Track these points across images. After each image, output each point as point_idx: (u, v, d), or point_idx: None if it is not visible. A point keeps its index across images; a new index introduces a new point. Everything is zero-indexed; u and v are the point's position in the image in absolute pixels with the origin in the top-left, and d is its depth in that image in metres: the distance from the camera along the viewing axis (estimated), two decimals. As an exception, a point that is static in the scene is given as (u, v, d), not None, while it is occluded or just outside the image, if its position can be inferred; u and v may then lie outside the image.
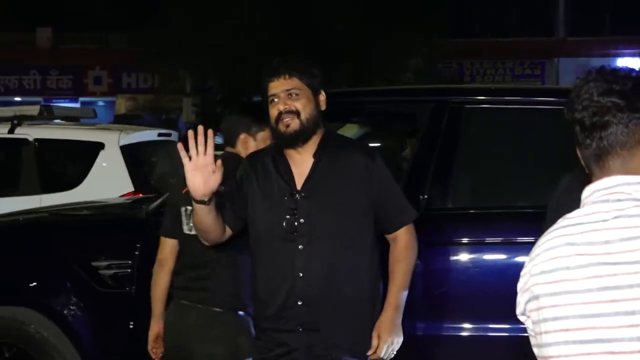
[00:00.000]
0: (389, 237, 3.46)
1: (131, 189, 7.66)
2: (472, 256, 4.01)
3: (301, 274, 3.30)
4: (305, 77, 3.37)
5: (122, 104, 32.89)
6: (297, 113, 3.32)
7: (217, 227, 3.35)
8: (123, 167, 7.88)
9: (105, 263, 4.21)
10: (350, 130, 5.46)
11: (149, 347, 3.84)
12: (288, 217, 3.31)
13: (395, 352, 3.37)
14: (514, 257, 3.96)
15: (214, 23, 21.77)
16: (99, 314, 4.20)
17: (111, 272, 4.19)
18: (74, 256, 4.27)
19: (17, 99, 35.66)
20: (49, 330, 4.25)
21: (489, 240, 4.03)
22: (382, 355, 3.34)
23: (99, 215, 4.79)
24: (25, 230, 4.70)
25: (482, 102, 4.35)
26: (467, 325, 3.95)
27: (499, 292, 3.85)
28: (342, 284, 3.31)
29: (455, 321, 3.95)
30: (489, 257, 4.03)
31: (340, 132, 5.45)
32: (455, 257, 4.02)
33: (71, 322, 4.21)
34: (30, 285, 4.36)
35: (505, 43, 28.66)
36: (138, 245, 4.24)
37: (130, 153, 8.11)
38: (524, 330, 1.92)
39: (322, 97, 3.43)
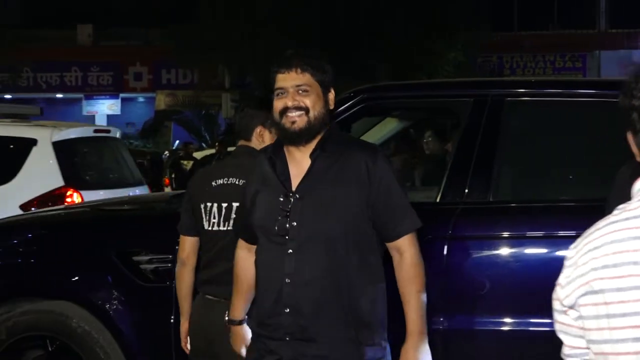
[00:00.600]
0: (391, 247, 3.20)
1: (62, 183, 8.06)
2: (513, 250, 3.95)
3: (288, 280, 3.10)
4: (317, 73, 3.19)
5: (162, 100, 33.12)
6: (306, 110, 3.16)
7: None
8: (55, 162, 8.21)
9: (146, 257, 4.22)
10: (390, 125, 5.45)
11: (182, 344, 3.86)
12: (280, 218, 3.14)
13: None
14: (556, 251, 3.90)
15: (250, 17, 21.97)
16: (140, 308, 4.22)
17: (152, 266, 4.21)
18: (115, 251, 4.30)
19: (59, 95, 36.09)
20: (90, 324, 4.27)
21: (530, 234, 3.96)
22: None
23: (140, 210, 4.81)
24: (68, 225, 4.73)
25: (523, 94, 4.30)
26: (507, 320, 3.89)
27: (540, 287, 3.84)
28: (334, 294, 3.10)
29: (495, 316, 3.89)
30: (530, 251, 3.97)
31: (379, 126, 5.51)
32: (496, 251, 3.96)
33: (113, 316, 4.24)
34: (73, 279, 4.39)
35: (546, 36, 28.74)
36: (178, 240, 4.24)
37: (63, 149, 8.40)
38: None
39: (332, 95, 3.26)
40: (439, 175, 4.49)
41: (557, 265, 3.76)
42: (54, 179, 8.14)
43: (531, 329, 3.86)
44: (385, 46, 21.05)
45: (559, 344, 3.37)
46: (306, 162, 3.20)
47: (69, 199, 8.17)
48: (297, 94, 3.16)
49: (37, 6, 34.63)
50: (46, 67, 33.36)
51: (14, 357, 4.46)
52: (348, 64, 20.55)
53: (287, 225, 3.13)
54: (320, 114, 3.18)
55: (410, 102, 4.59)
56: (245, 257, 3.38)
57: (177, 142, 28.90)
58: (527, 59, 29.33)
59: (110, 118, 34.57)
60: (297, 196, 3.16)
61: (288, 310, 3.11)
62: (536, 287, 3.85)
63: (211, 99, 29.24)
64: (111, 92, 34.40)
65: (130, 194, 8.98)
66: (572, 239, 1.90)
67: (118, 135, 10.04)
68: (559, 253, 3.89)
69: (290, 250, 3.11)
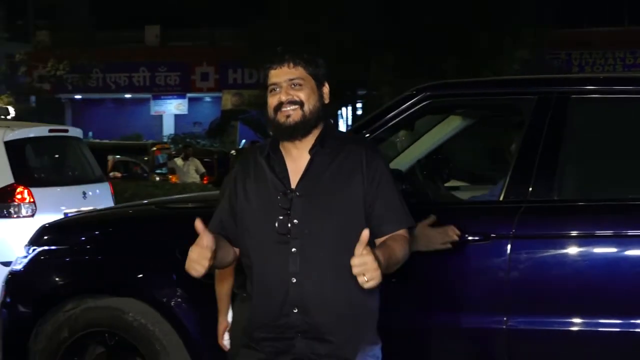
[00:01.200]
0: (379, 242, 3.11)
1: (12, 181, 8.51)
2: (580, 249, 3.87)
3: (294, 280, 3.06)
4: (310, 66, 3.14)
5: (229, 100, 33.40)
6: (300, 104, 3.11)
7: (227, 259, 3.20)
8: (5, 161, 8.58)
9: None
10: (453, 123, 5.38)
11: (219, 342, 3.86)
12: (281, 217, 3.07)
13: (366, 281, 2.86)
14: (624, 250, 3.83)
15: (317, 15, 22.10)
16: (203, 304, 4.17)
17: None
18: (179, 248, 4.29)
19: (127, 95, 36.62)
20: (147, 318, 4.34)
21: (597, 233, 3.88)
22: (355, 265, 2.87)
23: (204, 207, 4.77)
24: (132, 223, 4.75)
25: (590, 92, 4.22)
26: (572, 321, 3.81)
27: (606, 287, 3.80)
28: (341, 291, 3.06)
29: (559, 316, 3.82)
30: (596, 250, 3.88)
31: (442, 124, 5.42)
32: (563, 250, 3.88)
33: (177, 312, 4.27)
34: (138, 276, 4.43)
35: (616, 32, 28.30)
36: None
37: (14, 148, 8.77)
38: (636, 325, 1.81)
39: (326, 89, 3.20)
40: (501, 173, 4.41)
41: (624, 265, 3.77)
42: (5, 177, 8.55)
43: (597, 329, 3.79)
44: (453, 44, 20.94)
45: (624, 344, 3.25)
46: (304, 159, 3.15)
47: (18, 196, 8.58)
48: (291, 88, 3.12)
49: (107, 8, 35.02)
50: (115, 67, 33.82)
51: (79, 354, 4.52)
52: (416, 64, 20.85)
53: (289, 224, 3.07)
54: (315, 108, 3.13)
55: (473, 99, 4.54)
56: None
57: (244, 141, 29.19)
58: (596, 56, 29.06)
59: (177, 118, 35.08)
60: (297, 194, 3.10)
61: (296, 310, 3.07)
62: (602, 287, 3.81)
63: (277, 99, 29.27)
64: (178, 92, 34.82)
65: (90, 191, 9.51)
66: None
67: (79, 134, 10.40)
68: (627, 253, 3.82)
69: (294, 249, 3.06)
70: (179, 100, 34.88)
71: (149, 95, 35.45)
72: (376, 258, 2.86)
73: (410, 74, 19.91)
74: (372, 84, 23.18)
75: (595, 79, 4.41)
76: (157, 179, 18.92)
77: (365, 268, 2.84)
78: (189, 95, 34.70)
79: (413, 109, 4.25)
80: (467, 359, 3.99)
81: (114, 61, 32.57)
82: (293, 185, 3.12)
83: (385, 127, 4.28)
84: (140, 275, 4.44)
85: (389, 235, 3.12)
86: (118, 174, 18.81)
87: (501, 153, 5.33)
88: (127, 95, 36.73)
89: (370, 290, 3.02)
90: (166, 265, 4.33)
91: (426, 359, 4.00)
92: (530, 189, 3.97)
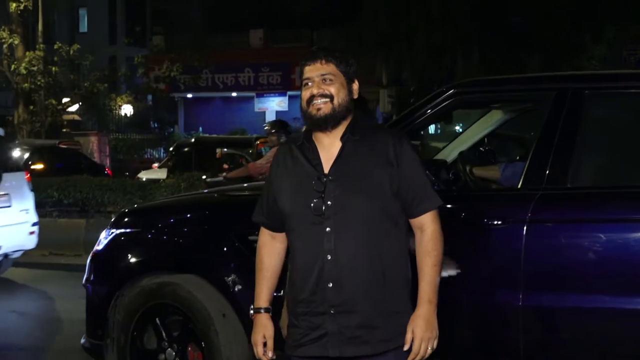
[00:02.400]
0: (414, 224, 3.21)
1: None
2: (589, 234, 3.91)
3: (329, 257, 3.10)
4: (341, 64, 3.20)
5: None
6: (330, 97, 3.16)
7: (281, 258, 3.38)
8: None
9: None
10: (495, 116, 5.46)
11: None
12: (316, 200, 3.13)
13: (432, 349, 3.12)
14: (631, 235, 3.86)
15: (409, 14, 22.07)
16: (250, 277, 4.06)
17: None
18: (234, 231, 4.47)
19: (234, 94, 36.95)
20: (210, 296, 4.48)
21: (606, 217, 3.93)
22: (417, 353, 3.11)
23: (256, 195, 4.95)
24: (196, 208, 4.91)
25: (602, 87, 4.25)
26: (585, 300, 3.85)
27: (615, 269, 3.83)
28: (372, 266, 3.11)
29: (578, 296, 3.85)
30: (606, 234, 3.90)
31: (485, 118, 5.52)
32: (573, 235, 3.93)
33: (232, 289, 4.40)
34: (198, 255, 4.56)
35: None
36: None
37: None
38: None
39: (356, 85, 3.26)
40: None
41: (633, 249, 3.78)
42: None
43: (610, 308, 3.82)
44: (536, 41, 20.81)
45: (636, 325, 3.07)
46: (335, 147, 3.19)
47: None
48: (323, 83, 3.17)
49: (216, 14, 35.58)
50: (223, 68, 34.08)
51: (151, 323, 4.71)
52: (501, 59, 20.84)
53: (323, 207, 3.12)
54: (344, 102, 3.18)
55: (498, 96, 4.62)
56: (269, 244, 3.37)
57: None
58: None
59: (278, 114, 35.24)
60: (330, 178, 3.15)
61: (331, 284, 3.11)
62: (611, 269, 3.84)
63: (369, 95, 29.28)
64: (280, 90, 35.06)
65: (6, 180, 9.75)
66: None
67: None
68: (634, 236, 3.86)
69: (329, 229, 3.12)
70: (280, 98, 35.15)
71: (252, 94, 35.77)
72: (427, 323, 3.11)
73: (495, 70, 19.96)
74: (458, 79, 22.44)
75: (606, 76, 4.46)
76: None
77: (427, 344, 3.11)
78: (289, 93, 34.76)
79: (445, 104, 4.34)
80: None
81: (222, 63, 32.77)
82: (326, 170, 3.17)
83: (421, 119, 4.37)
84: (200, 255, 4.59)
85: (418, 248, 3.18)
86: (225, 166, 18.58)
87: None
88: (234, 94, 37.11)
89: (401, 263, 3.17)
90: (220, 246, 4.49)
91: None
92: (546, 177, 4.03)
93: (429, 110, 4.34)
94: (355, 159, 3.16)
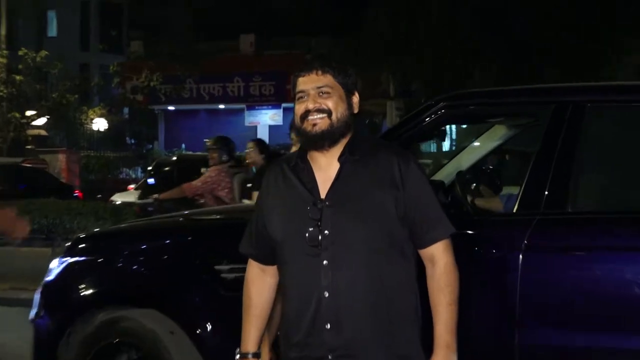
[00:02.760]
0: (424, 256, 3.18)
1: None
2: (592, 264, 3.94)
3: (327, 293, 3.07)
4: (339, 74, 3.18)
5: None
6: (327, 112, 3.14)
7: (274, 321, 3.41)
8: None
9: (227, 267, 4.36)
10: (499, 131, 5.48)
11: None
12: (311, 229, 3.09)
13: None
14: (636, 264, 3.88)
15: (414, 24, 22.50)
16: (221, 317, 4.34)
17: (233, 275, 4.29)
18: (199, 260, 4.50)
19: (221, 106, 37.01)
20: (172, 334, 4.47)
21: (611, 246, 3.94)
22: None
23: (226, 220, 4.95)
24: (159, 234, 4.90)
25: (607, 101, 4.30)
26: (584, 334, 3.86)
27: (618, 300, 3.85)
28: (376, 304, 3.08)
29: (575, 330, 3.87)
30: (609, 264, 3.93)
31: (488, 133, 5.53)
32: (573, 265, 3.97)
33: (194, 323, 4.39)
34: (159, 288, 4.57)
35: None
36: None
37: None
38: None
39: (356, 98, 3.24)
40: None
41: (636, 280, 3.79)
42: None
43: (609, 344, 3.84)
44: (556, 54, 21.33)
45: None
46: (333, 168, 3.17)
47: None
48: (319, 96, 3.16)
49: (202, 17, 35.84)
50: (209, 78, 34.27)
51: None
52: (519, 72, 21.15)
53: (319, 236, 3.09)
54: (343, 117, 3.16)
55: (491, 109, 4.64)
56: (258, 279, 3.33)
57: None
58: None
59: (272, 128, 35.15)
60: (327, 203, 3.12)
61: (329, 326, 3.07)
62: (613, 300, 3.85)
63: (376, 107, 29.41)
64: (273, 102, 35.13)
65: None
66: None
67: None
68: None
69: (326, 262, 3.08)
70: (274, 111, 35.17)
71: (243, 106, 35.79)
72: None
73: (513, 82, 19.51)
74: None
75: (612, 88, 4.52)
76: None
77: None
78: (284, 105, 34.73)
79: (434, 118, 4.38)
80: None
81: (209, 71, 32.83)
82: (322, 195, 3.15)
83: (407, 136, 4.41)
84: (162, 287, 4.59)
85: (430, 284, 3.15)
86: None
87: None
88: (221, 106, 37.09)
89: (410, 300, 3.14)
90: (184, 277, 4.50)
91: None
92: (544, 201, 4.06)
93: (417, 126, 4.38)
94: (356, 181, 3.16)
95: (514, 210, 4.12)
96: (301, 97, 3.20)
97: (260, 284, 3.33)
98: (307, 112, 3.17)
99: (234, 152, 9.61)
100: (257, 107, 35.57)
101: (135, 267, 4.75)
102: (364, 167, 3.16)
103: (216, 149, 9.24)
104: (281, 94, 34.38)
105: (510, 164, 6.48)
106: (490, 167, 5.55)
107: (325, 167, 3.20)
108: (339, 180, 3.16)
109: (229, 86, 35.54)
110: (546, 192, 4.05)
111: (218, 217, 4.98)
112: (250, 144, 9.37)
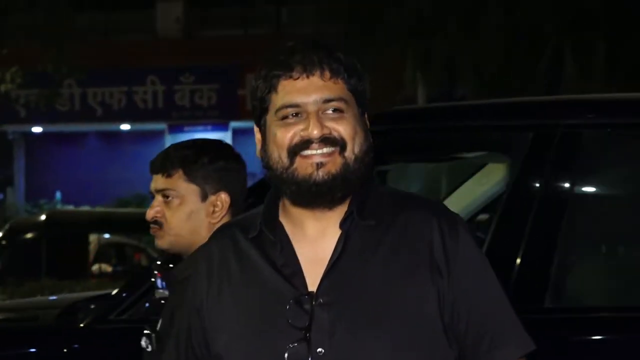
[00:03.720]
0: None
1: None
2: None
3: None
4: (351, 77, 3.11)
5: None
6: (341, 144, 3.05)
7: None
8: None
9: None
10: (498, 173, 6.03)
11: None
12: (294, 344, 2.99)
13: None
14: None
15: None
16: None
17: None
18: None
19: (124, 126, 36.26)
20: None
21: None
22: None
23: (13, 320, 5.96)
24: None
25: (619, 125, 4.67)
26: None
27: None
28: None
29: None
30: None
31: (480, 175, 6.53)
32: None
33: None
34: None
35: None
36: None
37: None
38: None
39: (366, 120, 3.25)
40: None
41: None
42: None
43: None
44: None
45: None
46: (328, 240, 3.10)
47: None
48: (326, 117, 3.10)
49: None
50: (103, 77, 33.75)
51: None
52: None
53: (309, 357, 3.01)
54: (361, 152, 3.12)
55: (424, 139, 5.11)
56: None
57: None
58: None
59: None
60: (321, 301, 3.06)
61: None
62: None
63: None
64: (214, 119, 35.34)
65: None
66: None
67: None
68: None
69: None
70: (215, 134, 32.83)
71: (162, 126, 34.53)
72: None
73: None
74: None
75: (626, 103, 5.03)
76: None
77: None
78: (233, 125, 34.56)
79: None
80: None
81: (103, 67, 31.37)
82: (312, 286, 3.07)
83: None
84: None
85: None
86: (108, 268, 19.31)
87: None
88: (124, 126, 35.79)
89: None
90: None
91: None
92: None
93: None
94: (370, 263, 3.08)
95: None
96: (290, 116, 3.10)
97: None
98: (306, 143, 3.07)
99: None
100: (186, 128, 33.72)
101: None
102: (382, 239, 3.13)
103: None
104: (229, 105, 33.19)
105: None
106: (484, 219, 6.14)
107: (315, 237, 3.14)
108: (341, 261, 3.09)
109: (138, 91, 34.00)
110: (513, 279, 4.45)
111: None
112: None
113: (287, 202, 3.16)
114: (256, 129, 3.21)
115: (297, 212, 3.12)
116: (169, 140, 34.12)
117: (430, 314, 3.02)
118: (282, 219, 3.16)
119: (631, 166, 4.62)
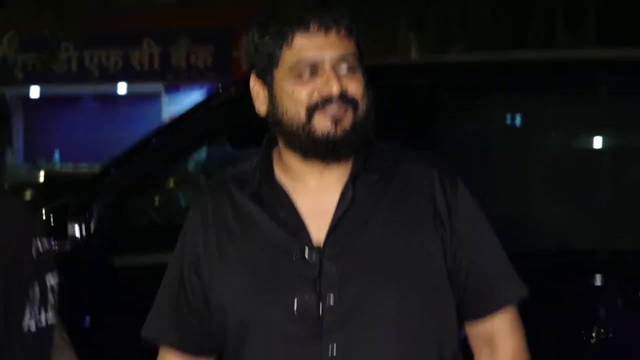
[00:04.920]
0: (478, 334, 3.24)
1: None
2: None
3: None
4: (359, 38, 3.20)
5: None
6: (354, 103, 3.13)
7: None
8: None
9: None
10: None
11: None
12: (304, 296, 3.04)
13: None
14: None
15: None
16: None
17: None
18: None
19: (121, 89, 36.51)
20: None
21: None
22: None
23: None
24: None
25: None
26: None
27: None
28: None
29: None
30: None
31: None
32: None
33: None
34: None
35: None
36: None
37: None
38: None
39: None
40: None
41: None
42: None
43: None
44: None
45: None
46: (330, 195, 3.17)
47: None
48: (343, 75, 3.15)
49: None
50: (99, 40, 33.41)
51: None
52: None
53: (319, 308, 3.05)
54: (371, 108, 3.21)
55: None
56: None
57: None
58: None
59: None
60: (329, 253, 3.10)
61: None
62: None
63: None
64: (210, 80, 34.44)
65: None
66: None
67: None
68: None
69: (332, 348, 3.05)
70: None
71: (158, 87, 34.61)
72: None
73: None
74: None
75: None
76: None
77: None
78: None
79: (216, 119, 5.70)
80: None
81: (99, 30, 31.68)
82: (316, 239, 3.13)
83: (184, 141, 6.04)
84: None
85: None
86: None
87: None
88: (121, 88, 35.71)
89: None
90: None
91: None
92: None
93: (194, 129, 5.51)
94: (374, 215, 3.15)
95: None
96: (307, 72, 3.12)
97: None
98: (327, 100, 3.11)
99: None
100: (182, 89, 34.04)
101: None
102: (385, 192, 3.19)
103: None
104: (223, 66, 33.26)
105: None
106: None
107: (317, 191, 3.19)
108: (346, 215, 3.14)
109: (134, 54, 34.08)
110: None
111: None
112: None
113: (287, 156, 3.21)
114: (257, 84, 3.25)
115: (299, 166, 3.19)
116: (165, 100, 34.96)
117: (436, 261, 3.12)
118: (280, 173, 3.20)
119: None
